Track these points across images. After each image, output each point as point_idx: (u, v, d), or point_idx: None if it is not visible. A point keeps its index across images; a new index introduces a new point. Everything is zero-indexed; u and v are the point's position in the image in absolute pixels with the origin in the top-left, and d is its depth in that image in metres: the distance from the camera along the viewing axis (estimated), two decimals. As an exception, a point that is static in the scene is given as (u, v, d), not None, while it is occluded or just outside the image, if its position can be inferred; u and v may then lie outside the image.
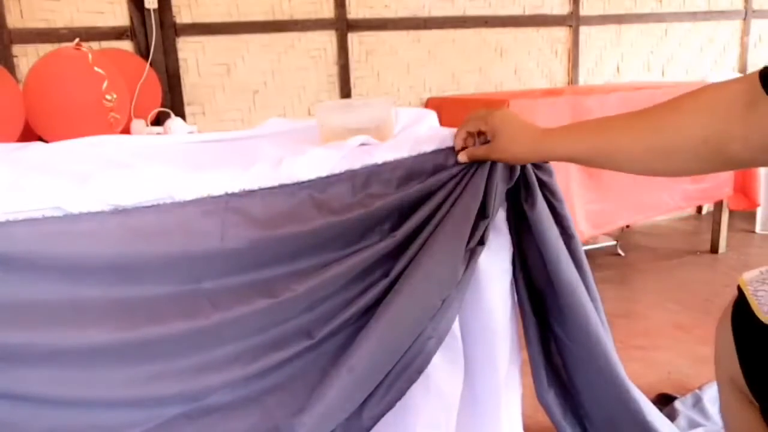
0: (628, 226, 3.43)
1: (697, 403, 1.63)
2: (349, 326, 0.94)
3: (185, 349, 0.86)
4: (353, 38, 2.88)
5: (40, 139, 1.88)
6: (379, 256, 0.94)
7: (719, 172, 0.93)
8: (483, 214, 0.98)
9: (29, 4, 2.31)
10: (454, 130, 1.05)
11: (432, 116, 1.21)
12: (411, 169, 0.98)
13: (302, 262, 0.92)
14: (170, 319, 0.84)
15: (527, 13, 3.23)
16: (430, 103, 3.01)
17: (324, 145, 1.04)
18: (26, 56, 2.32)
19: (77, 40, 2.03)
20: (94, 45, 2.35)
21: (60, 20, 2.37)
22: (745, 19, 3.80)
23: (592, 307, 1.06)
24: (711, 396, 1.65)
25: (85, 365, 0.81)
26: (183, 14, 2.56)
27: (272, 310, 0.88)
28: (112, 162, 0.99)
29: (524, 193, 1.02)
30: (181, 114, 2.55)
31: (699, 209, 3.77)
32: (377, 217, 0.95)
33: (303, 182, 0.93)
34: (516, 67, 3.27)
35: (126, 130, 2.14)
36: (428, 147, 1.01)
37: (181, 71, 2.59)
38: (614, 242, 3.14)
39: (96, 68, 1.90)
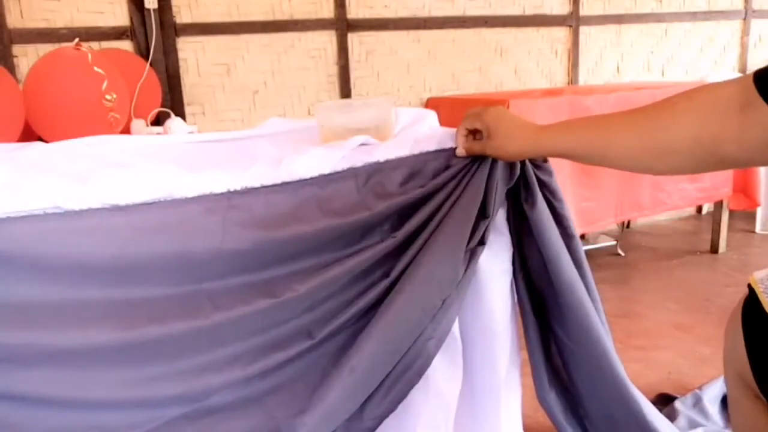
0: (628, 226, 3.43)
1: (697, 403, 1.63)
2: (349, 326, 0.94)
3: (186, 349, 0.86)
4: (353, 38, 2.88)
5: (40, 139, 1.88)
6: (380, 257, 0.94)
7: (713, 171, 0.94)
8: (483, 214, 0.98)
9: (29, 4, 2.31)
10: (454, 130, 1.05)
11: (432, 116, 1.21)
12: (412, 168, 0.99)
13: (303, 262, 0.92)
14: (171, 319, 0.84)
15: (527, 13, 3.23)
16: (430, 103, 3.01)
17: (324, 145, 1.04)
18: (26, 56, 2.32)
19: (77, 40, 2.03)
20: (94, 45, 2.35)
21: (60, 20, 2.37)
22: (745, 19, 3.80)
23: (592, 307, 1.06)
24: (711, 396, 1.65)
25: (85, 366, 0.81)
26: (183, 14, 2.56)
27: (273, 310, 0.88)
28: (112, 162, 0.99)
29: (524, 193, 1.02)
30: (181, 114, 2.55)
31: (699, 209, 3.77)
32: (378, 216, 0.95)
33: (305, 179, 0.93)
34: (516, 67, 3.27)
35: (126, 130, 2.14)
36: (428, 147, 1.01)
37: (181, 71, 2.59)
38: (614, 242, 3.14)
39: (96, 68, 1.90)
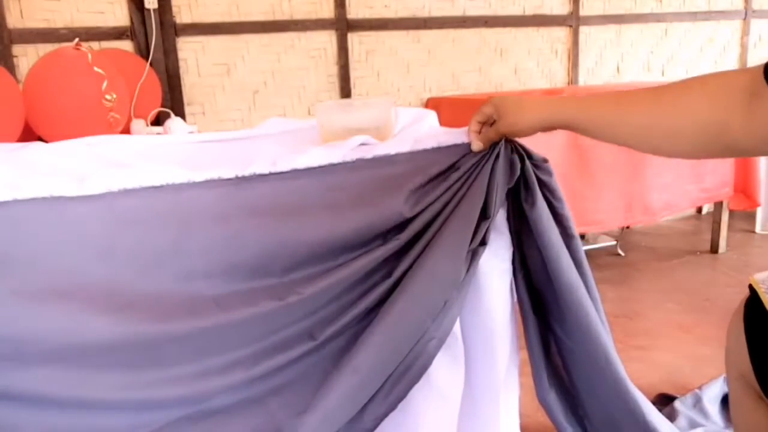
0: (628, 227, 3.43)
1: (697, 403, 1.63)
2: (351, 328, 0.94)
3: (189, 351, 0.86)
4: (353, 38, 2.88)
5: (40, 139, 1.89)
6: (384, 258, 0.94)
7: (718, 158, 0.95)
8: (484, 214, 0.98)
9: (29, 4, 2.31)
10: (454, 129, 1.05)
11: (432, 116, 1.21)
12: (417, 165, 0.99)
13: (309, 264, 0.92)
14: (175, 318, 0.83)
15: (527, 13, 3.23)
16: (430, 103, 3.01)
17: (324, 145, 1.04)
18: (26, 56, 2.32)
19: (77, 40, 2.03)
20: (94, 45, 2.35)
21: (60, 20, 2.37)
22: (745, 19, 3.80)
23: (592, 307, 1.06)
24: (711, 396, 1.65)
25: (86, 366, 0.81)
26: (183, 14, 2.56)
27: (277, 313, 0.88)
28: (112, 162, 0.99)
29: (524, 192, 1.02)
30: (181, 114, 2.55)
31: (699, 209, 3.77)
32: (383, 212, 0.95)
33: (314, 167, 0.93)
34: (516, 67, 3.27)
35: (126, 130, 2.14)
36: (429, 146, 1.01)
37: (181, 71, 2.59)
38: (614, 242, 3.14)
39: (96, 68, 1.91)
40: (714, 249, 3.07)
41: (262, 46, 2.72)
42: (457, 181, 0.98)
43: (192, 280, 0.86)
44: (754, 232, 3.37)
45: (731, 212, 3.07)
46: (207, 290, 0.87)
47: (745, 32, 3.82)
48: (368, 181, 0.97)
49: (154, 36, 2.46)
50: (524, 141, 1.02)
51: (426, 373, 0.96)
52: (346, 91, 2.89)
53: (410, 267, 0.94)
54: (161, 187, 0.86)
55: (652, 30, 3.56)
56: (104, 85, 1.91)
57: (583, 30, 3.38)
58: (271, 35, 2.72)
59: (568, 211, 1.06)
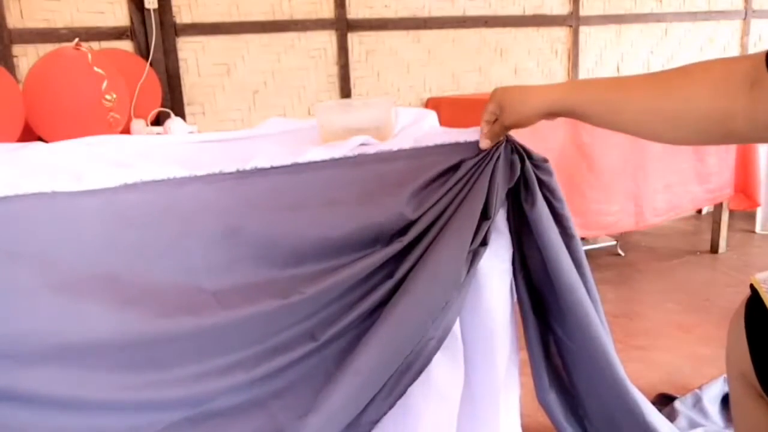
0: (636, 229, 3.43)
1: (697, 403, 1.63)
2: (353, 329, 0.94)
3: (189, 351, 0.85)
4: (353, 38, 2.88)
5: (40, 139, 1.89)
6: (386, 260, 0.94)
7: (718, 144, 0.95)
8: (485, 215, 0.98)
9: (29, 4, 2.31)
10: (454, 130, 1.05)
11: (432, 116, 1.21)
12: (417, 165, 0.99)
13: (310, 263, 0.92)
14: (176, 315, 0.83)
15: (527, 13, 3.23)
16: (430, 103, 3.01)
17: (324, 145, 1.04)
18: (26, 56, 2.32)
19: (76, 40, 2.03)
20: (94, 45, 2.35)
21: (60, 20, 2.37)
22: (745, 19, 3.80)
23: (592, 307, 1.05)
24: (711, 396, 1.65)
25: (87, 366, 0.81)
26: (183, 14, 2.56)
27: (279, 312, 0.88)
28: (112, 161, 0.99)
29: (524, 192, 1.02)
30: (181, 114, 2.55)
31: (699, 209, 3.77)
32: (385, 214, 0.95)
33: (316, 162, 0.93)
34: (516, 67, 3.27)
35: (126, 130, 2.14)
36: (430, 144, 1.01)
37: (181, 71, 2.59)
38: (614, 242, 3.14)
39: (95, 68, 1.91)
40: (714, 249, 3.07)
41: (262, 46, 2.72)
42: (458, 182, 0.98)
43: (193, 275, 0.86)
44: (754, 232, 3.37)
45: (731, 212, 3.07)
46: (208, 285, 0.87)
47: (745, 32, 3.82)
48: (370, 178, 0.97)
49: (154, 36, 2.46)
50: (524, 141, 1.02)
51: (426, 372, 0.96)
52: (346, 91, 2.89)
53: (412, 268, 0.94)
54: (162, 181, 0.86)
55: (652, 30, 3.56)
56: (104, 85, 1.91)
57: (583, 30, 3.38)
58: (271, 35, 2.72)
59: (568, 211, 1.06)
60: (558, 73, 3.37)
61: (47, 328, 0.78)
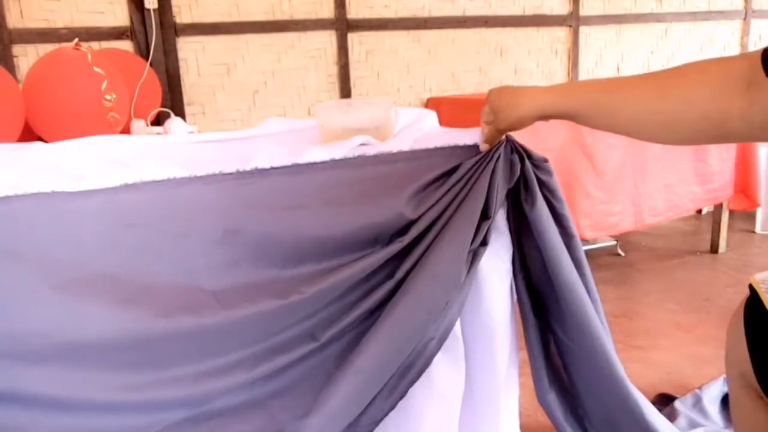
0: (635, 229, 3.43)
1: (697, 403, 1.63)
2: (353, 329, 0.94)
3: (190, 351, 0.85)
4: (353, 38, 2.88)
5: (40, 139, 1.89)
6: (386, 260, 0.94)
7: (716, 144, 0.95)
8: (485, 215, 0.98)
9: (29, 4, 2.31)
10: (454, 130, 1.05)
11: (432, 116, 1.21)
12: (416, 166, 0.99)
13: (310, 263, 0.92)
14: (177, 315, 0.83)
15: (527, 13, 3.23)
16: (430, 103, 3.01)
17: (324, 145, 1.04)
18: (26, 56, 2.32)
19: (76, 40, 2.03)
20: (94, 45, 2.35)
21: (60, 20, 2.37)
22: (745, 19, 3.81)
23: (592, 307, 1.06)
24: (711, 396, 1.65)
25: (87, 366, 0.81)
26: (183, 14, 2.56)
27: (279, 312, 0.88)
28: (112, 162, 0.99)
29: (524, 192, 1.02)
30: (181, 114, 2.55)
31: (699, 209, 3.77)
32: (384, 214, 0.95)
33: (316, 163, 0.93)
34: (516, 67, 3.27)
35: (126, 130, 2.14)
36: (428, 144, 1.01)
37: (181, 71, 2.59)
38: (614, 242, 3.14)
39: (95, 68, 1.91)
40: (714, 249, 3.07)
41: (262, 46, 2.72)
42: (458, 182, 0.98)
43: (193, 275, 0.86)
44: (754, 232, 3.37)
45: (731, 212, 3.07)
46: (208, 285, 0.87)
47: (745, 32, 3.82)
48: (370, 179, 0.97)
49: (154, 36, 2.46)
50: (524, 141, 1.02)
51: (427, 373, 0.96)
52: (346, 91, 2.89)
53: (412, 268, 0.94)
54: (162, 181, 0.86)
55: (652, 30, 3.56)
56: (104, 85, 1.91)
57: (583, 30, 3.38)
58: (271, 35, 2.72)
59: (568, 210, 1.06)
60: (558, 73, 3.37)
61: (47, 328, 0.78)
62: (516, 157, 1.00)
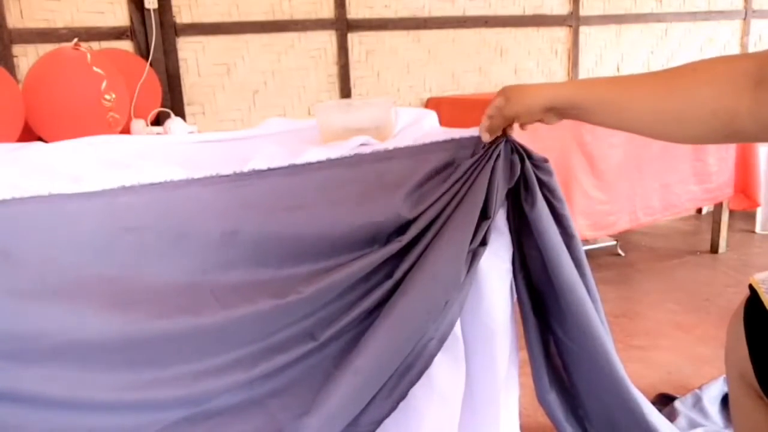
0: (631, 228, 3.43)
1: (697, 403, 1.63)
2: (352, 328, 0.94)
3: (188, 351, 0.85)
4: (353, 38, 2.88)
5: (40, 139, 1.89)
6: (385, 259, 0.94)
7: (725, 143, 0.95)
8: (485, 214, 0.98)
9: (29, 4, 2.31)
10: (454, 130, 1.05)
11: (432, 116, 1.21)
12: (413, 163, 0.99)
13: (309, 263, 0.92)
14: (176, 314, 0.83)
15: (527, 13, 3.23)
16: (430, 103, 3.01)
17: (324, 146, 1.04)
18: (26, 56, 2.32)
19: (75, 40, 2.03)
20: (94, 45, 2.35)
21: (60, 20, 2.37)
22: (745, 19, 3.80)
23: (592, 307, 1.05)
24: (711, 396, 1.65)
25: (86, 365, 0.81)
26: (183, 14, 2.56)
27: (277, 312, 0.88)
28: (112, 162, 0.99)
29: (524, 192, 1.02)
30: (181, 114, 2.55)
31: (699, 209, 3.77)
32: (382, 213, 0.95)
33: (312, 163, 0.93)
34: (516, 67, 3.27)
35: (126, 130, 2.14)
36: (426, 142, 1.02)
37: (181, 71, 2.59)
38: (614, 242, 3.14)
39: (95, 68, 1.91)
40: (714, 249, 3.07)
41: (262, 46, 2.72)
42: (457, 181, 0.98)
43: (191, 276, 0.86)
44: (754, 232, 3.37)
45: (731, 212, 3.07)
46: (206, 286, 0.87)
47: (745, 32, 3.82)
48: (367, 178, 0.97)
49: (154, 36, 2.46)
50: (524, 141, 1.02)
51: (427, 373, 0.96)
52: (346, 91, 2.89)
53: (411, 268, 0.94)
54: (160, 184, 0.86)
55: (652, 30, 3.56)
56: (103, 85, 1.91)
57: (583, 30, 3.38)
58: (271, 35, 2.72)
59: (568, 210, 1.06)
60: (558, 73, 3.37)
61: (46, 329, 0.78)
62: (516, 157, 1.00)
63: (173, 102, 2.55)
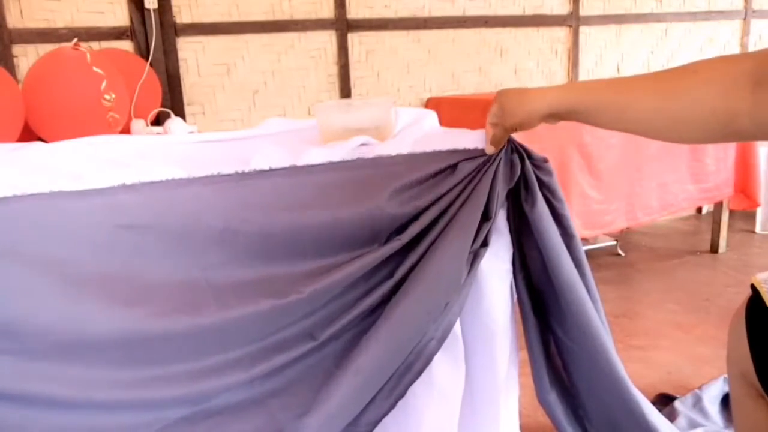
0: (629, 228, 3.43)
1: (697, 403, 1.63)
2: (352, 328, 0.94)
3: (188, 350, 0.86)
4: (353, 38, 2.88)
5: (40, 139, 1.88)
6: (384, 259, 0.94)
7: (725, 142, 0.95)
8: (486, 216, 0.98)
9: (29, 4, 2.31)
10: (454, 130, 1.05)
11: (432, 116, 1.21)
12: (417, 165, 0.99)
13: (309, 262, 0.92)
14: (174, 314, 0.83)
15: (527, 13, 3.23)
16: (430, 103, 3.01)
17: (324, 146, 1.04)
18: (26, 56, 2.32)
19: (75, 40, 2.03)
20: (94, 45, 2.35)
21: (60, 20, 2.37)
22: (745, 19, 3.80)
23: (592, 307, 1.05)
24: (711, 396, 1.65)
25: (86, 365, 0.81)
26: (183, 14, 2.56)
27: (277, 312, 0.88)
28: (112, 162, 0.99)
29: (524, 193, 1.02)
30: (181, 114, 2.55)
31: (699, 209, 3.77)
32: (383, 212, 0.95)
33: (314, 165, 0.93)
34: (516, 67, 3.27)
35: (126, 130, 2.14)
36: (428, 147, 1.01)
37: (181, 71, 2.59)
38: (614, 242, 3.14)
39: (95, 68, 1.90)
40: (714, 249, 3.07)
41: (262, 46, 2.72)
42: (458, 183, 0.98)
43: (192, 275, 0.86)
44: (754, 232, 3.37)
45: (731, 212, 3.07)
46: (206, 285, 0.87)
47: (745, 32, 3.82)
48: (366, 178, 0.97)
49: (154, 36, 2.46)
50: (524, 141, 1.02)
51: (427, 373, 0.96)
52: (346, 91, 2.89)
53: (412, 268, 0.94)
54: (160, 182, 0.86)
55: (652, 30, 3.56)
56: (103, 84, 1.91)
57: (583, 30, 3.38)
58: (271, 35, 2.72)
59: (568, 210, 1.06)
60: (558, 74, 3.37)
61: (46, 327, 0.78)
62: (516, 157, 1.00)
63: (173, 102, 2.55)
